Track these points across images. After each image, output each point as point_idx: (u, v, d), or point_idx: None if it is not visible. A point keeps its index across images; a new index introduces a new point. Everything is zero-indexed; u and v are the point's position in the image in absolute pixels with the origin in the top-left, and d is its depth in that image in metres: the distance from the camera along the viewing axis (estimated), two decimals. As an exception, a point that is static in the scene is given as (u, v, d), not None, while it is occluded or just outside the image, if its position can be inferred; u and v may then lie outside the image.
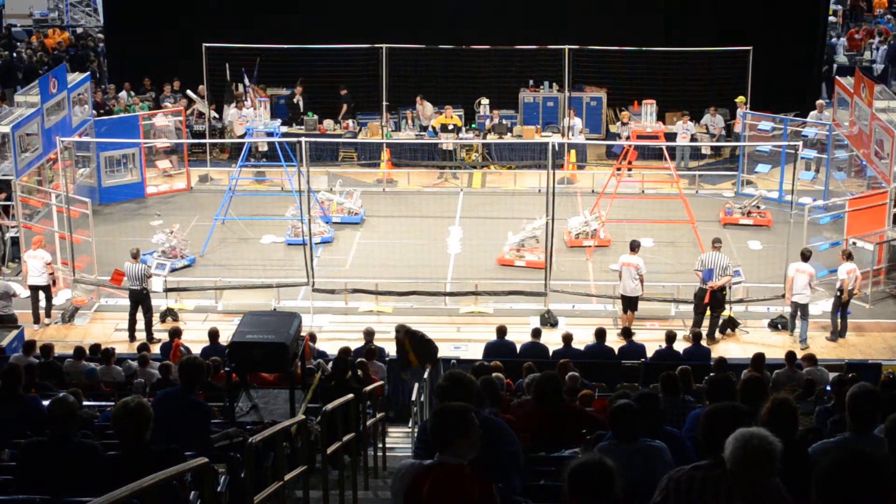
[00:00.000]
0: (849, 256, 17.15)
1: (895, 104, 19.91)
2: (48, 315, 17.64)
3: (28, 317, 17.57)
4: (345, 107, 25.76)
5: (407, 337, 14.42)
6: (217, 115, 25.32)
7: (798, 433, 5.96)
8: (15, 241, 19.44)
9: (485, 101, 25.52)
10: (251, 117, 22.99)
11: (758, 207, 21.64)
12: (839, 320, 17.10)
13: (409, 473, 4.85)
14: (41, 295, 17.68)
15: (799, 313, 17.04)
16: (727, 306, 17.55)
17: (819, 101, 24.54)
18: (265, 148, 23.11)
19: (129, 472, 5.21)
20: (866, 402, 5.89)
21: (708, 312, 17.04)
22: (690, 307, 17.30)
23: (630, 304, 17.26)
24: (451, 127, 24.34)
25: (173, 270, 18.97)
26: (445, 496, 4.35)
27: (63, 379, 13.34)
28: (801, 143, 20.38)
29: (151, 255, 19.08)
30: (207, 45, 23.90)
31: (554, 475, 7.28)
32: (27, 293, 17.77)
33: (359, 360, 13.81)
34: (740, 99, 24.05)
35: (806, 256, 16.99)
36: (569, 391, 10.97)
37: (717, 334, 17.17)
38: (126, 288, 17.31)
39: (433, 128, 24.65)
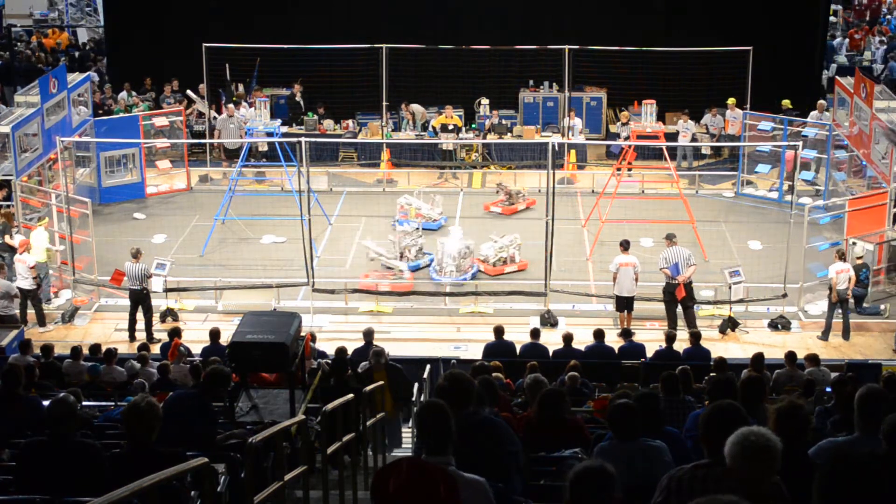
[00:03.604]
0: (842, 256, 17.21)
1: (895, 104, 19.92)
2: (41, 323, 17.50)
3: (33, 317, 17.62)
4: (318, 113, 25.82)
5: (386, 370, 12.75)
6: (217, 116, 25.30)
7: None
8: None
9: (485, 101, 25.52)
10: (251, 117, 23.01)
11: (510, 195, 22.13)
12: (841, 321, 17.12)
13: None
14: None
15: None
16: (728, 306, 17.59)
17: (820, 102, 24.53)
18: (265, 148, 23.10)
19: (135, 472, 5.22)
20: (875, 402, 5.87)
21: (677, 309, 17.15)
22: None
23: (627, 304, 17.28)
24: (451, 127, 24.33)
25: (415, 270, 19.00)
26: (409, 489, 4.36)
27: (63, 379, 13.35)
28: (801, 143, 20.38)
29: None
30: (207, 45, 23.90)
31: (554, 475, 7.29)
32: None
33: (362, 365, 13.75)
34: (731, 101, 24.05)
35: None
36: (568, 391, 10.96)
37: (718, 333, 17.22)
38: (126, 288, 17.32)
39: (433, 128, 24.65)
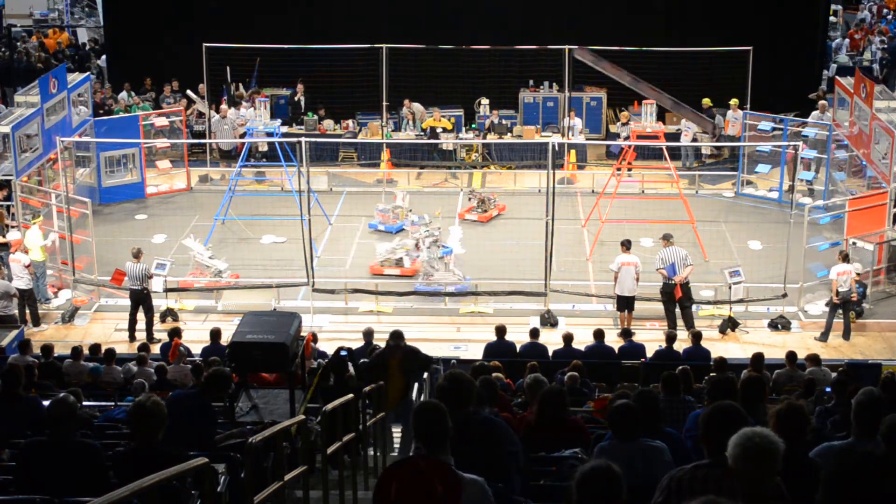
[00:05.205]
0: (845, 258, 17.19)
1: (895, 104, 19.91)
2: (35, 323, 17.50)
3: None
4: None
5: (401, 356, 12.48)
6: (217, 116, 25.29)
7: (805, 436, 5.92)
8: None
9: (485, 101, 25.51)
10: (251, 117, 23.00)
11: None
12: (841, 321, 17.12)
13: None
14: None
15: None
16: (728, 306, 17.59)
17: (822, 102, 24.50)
18: (265, 148, 23.09)
19: (140, 471, 5.21)
20: (874, 409, 5.86)
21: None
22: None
23: (628, 303, 17.28)
24: (439, 130, 24.34)
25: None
26: (410, 492, 4.36)
27: (63, 379, 13.34)
28: (801, 143, 20.38)
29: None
30: (207, 45, 23.89)
31: (554, 475, 7.29)
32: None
33: (362, 360, 13.74)
34: (734, 102, 24.05)
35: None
36: (568, 391, 10.94)
37: (718, 333, 17.22)
38: (126, 288, 17.32)
39: (423, 130, 24.65)
